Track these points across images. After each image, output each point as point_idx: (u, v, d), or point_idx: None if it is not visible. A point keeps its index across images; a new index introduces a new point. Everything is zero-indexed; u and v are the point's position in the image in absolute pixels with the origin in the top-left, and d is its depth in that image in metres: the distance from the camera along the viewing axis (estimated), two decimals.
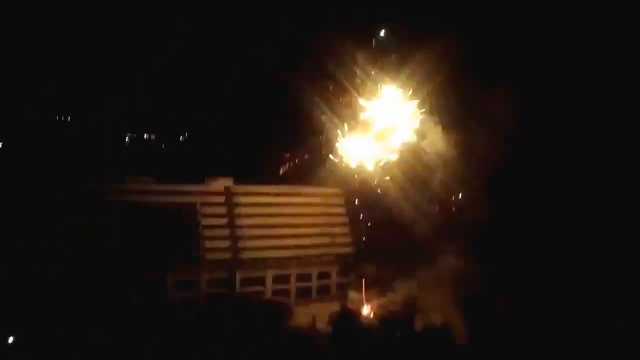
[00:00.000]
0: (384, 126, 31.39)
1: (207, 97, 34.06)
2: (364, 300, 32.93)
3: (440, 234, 32.88)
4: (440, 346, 27.50)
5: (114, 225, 29.15)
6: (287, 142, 34.65)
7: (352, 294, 33.59)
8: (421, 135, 31.69)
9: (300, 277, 33.07)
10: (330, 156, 32.09)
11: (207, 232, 31.36)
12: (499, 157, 30.22)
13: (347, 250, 34.17)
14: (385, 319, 31.10)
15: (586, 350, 25.72)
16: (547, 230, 30.91)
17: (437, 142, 31.95)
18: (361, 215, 34.47)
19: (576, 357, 25.94)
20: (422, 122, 31.53)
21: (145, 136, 34.74)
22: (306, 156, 34.07)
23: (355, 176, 32.48)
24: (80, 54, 31.81)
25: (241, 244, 31.86)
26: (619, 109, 30.12)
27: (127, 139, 34.06)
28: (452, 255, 32.09)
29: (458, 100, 31.76)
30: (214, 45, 34.11)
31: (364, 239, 34.37)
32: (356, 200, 34.34)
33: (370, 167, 31.68)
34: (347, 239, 34.39)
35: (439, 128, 31.73)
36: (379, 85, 30.97)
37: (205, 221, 31.51)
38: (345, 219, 34.80)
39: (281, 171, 34.82)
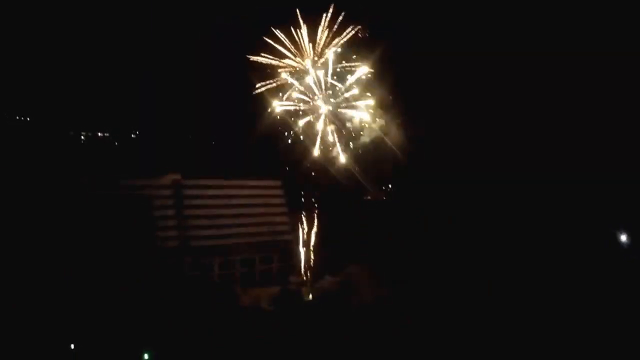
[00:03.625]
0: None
1: (159, 94, 35.96)
2: (304, 283, 35.80)
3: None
4: (372, 319, 29.96)
5: (69, 217, 30.67)
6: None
7: (293, 278, 36.34)
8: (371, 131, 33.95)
9: (245, 263, 35.61)
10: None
11: (159, 223, 33.71)
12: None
13: (287, 237, 36.49)
14: (323, 297, 33.74)
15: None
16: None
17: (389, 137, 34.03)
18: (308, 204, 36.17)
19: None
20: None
21: (99, 134, 36.71)
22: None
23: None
24: (31, 54, 33.21)
25: (190, 233, 34.24)
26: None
27: (82, 138, 35.90)
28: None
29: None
30: (165, 42, 35.79)
31: (307, 226, 36.09)
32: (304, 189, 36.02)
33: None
34: (287, 227, 36.68)
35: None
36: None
37: (156, 212, 33.89)
38: (285, 209, 37.11)
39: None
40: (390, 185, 35.46)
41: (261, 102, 33.26)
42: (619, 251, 28.53)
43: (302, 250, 35.64)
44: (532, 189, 30.74)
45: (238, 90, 33.58)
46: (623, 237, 28.85)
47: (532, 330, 26.42)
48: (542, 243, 29.62)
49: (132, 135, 36.36)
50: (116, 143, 36.31)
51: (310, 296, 34.67)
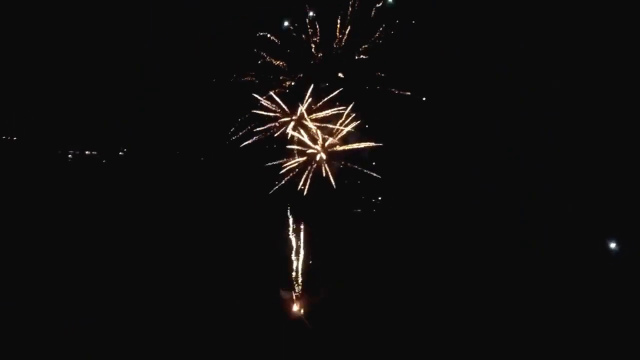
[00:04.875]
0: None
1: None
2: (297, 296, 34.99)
3: None
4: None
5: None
6: None
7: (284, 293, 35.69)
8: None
9: None
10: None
11: None
12: None
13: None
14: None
15: None
16: None
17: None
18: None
19: None
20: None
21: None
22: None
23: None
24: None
25: None
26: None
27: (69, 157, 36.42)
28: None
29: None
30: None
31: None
32: None
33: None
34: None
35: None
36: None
37: None
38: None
39: None
40: (379, 198, 34.63)
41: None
42: (608, 258, 27.26)
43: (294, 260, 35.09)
44: (519, 193, 29.77)
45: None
46: (613, 244, 27.48)
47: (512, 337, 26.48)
48: (527, 249, 28.75)
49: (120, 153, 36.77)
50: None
51: (302, 311, 34.10)
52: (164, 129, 34.33)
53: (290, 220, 34.25)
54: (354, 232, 33.51)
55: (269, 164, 32.40)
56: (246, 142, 32.28)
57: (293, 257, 34.40)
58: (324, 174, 31.59)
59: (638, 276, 26.09)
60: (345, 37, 31.80)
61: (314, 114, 31.30)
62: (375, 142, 30.60)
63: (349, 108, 30.57)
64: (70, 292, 28.88)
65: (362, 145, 31.18)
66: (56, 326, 27.21)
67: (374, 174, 31.72)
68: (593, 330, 25.41)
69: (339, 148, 31.19)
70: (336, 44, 31.69)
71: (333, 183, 31.54)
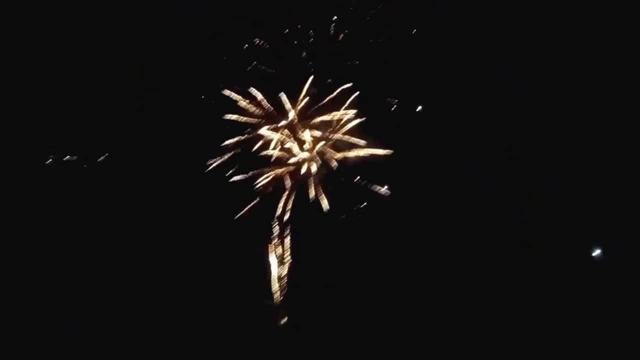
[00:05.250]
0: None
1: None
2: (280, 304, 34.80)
3: None
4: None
5: None
6: None
7: (267, 301, 35.52)
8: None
9: None
10: None
11: None
12: None
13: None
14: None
15: None
16: None
17: None
18: None
19: None
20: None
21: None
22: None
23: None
24: None
25: None
26: None
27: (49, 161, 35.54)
28: None
29: None
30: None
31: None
32: None
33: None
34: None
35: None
36: None
37: None
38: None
39: None
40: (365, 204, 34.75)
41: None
42: (592, 266, 28.19)
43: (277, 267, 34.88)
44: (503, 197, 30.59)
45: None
46: (597, 252, 28.26)
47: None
48: (508, 254, 29.52)
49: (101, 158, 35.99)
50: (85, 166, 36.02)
51: (286, 319, 33.90)
52: (150, 134, 33.97)
53: (275, 229, 34.24)
54: (344, 235, 33.82)
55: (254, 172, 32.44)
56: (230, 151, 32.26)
57: (277, 264, 34.39)
58: (311, 187, 31.72)
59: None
60: (340, 38, 32.45)
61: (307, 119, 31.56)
62: (379, 147, 30.96)
63: (341, 112, 30.86)
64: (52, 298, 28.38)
65: (372, 151, 31.26)
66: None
67: (382, 188, 31.97)
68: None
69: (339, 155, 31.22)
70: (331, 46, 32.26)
71: (325, 204, 31.62)
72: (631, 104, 28.82)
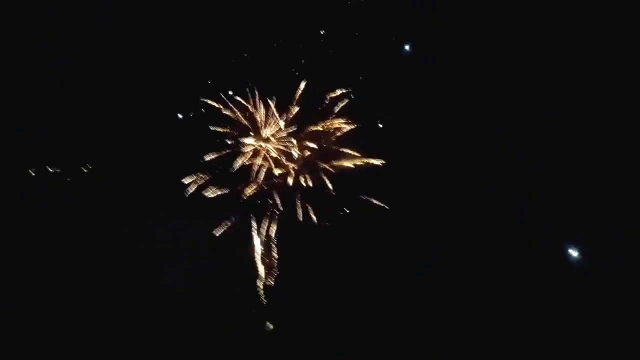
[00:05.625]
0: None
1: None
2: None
3: None
4: None
5: None
6: None
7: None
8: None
9: None
10: None
11: None
12: None
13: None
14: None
15: None
16: None
17: None
18: None
19: None
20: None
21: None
22: None
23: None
24: None
25: None
26: None
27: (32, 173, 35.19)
28: None
29: None
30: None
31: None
32: None
33: None
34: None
35: None
36: None
37: None
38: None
39: None
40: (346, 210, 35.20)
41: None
42: (569, 266, 28.90)
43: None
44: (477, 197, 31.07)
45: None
46: (574, 252, 29.06)
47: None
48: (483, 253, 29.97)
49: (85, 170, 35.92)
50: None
51: (271, 326, 34.22)
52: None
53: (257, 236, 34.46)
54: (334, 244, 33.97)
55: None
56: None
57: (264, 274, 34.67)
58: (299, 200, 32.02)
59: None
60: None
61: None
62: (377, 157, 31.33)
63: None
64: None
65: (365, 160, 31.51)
66: None
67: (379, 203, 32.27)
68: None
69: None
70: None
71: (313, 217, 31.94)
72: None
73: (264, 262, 34.73)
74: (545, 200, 29.88)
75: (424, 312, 29.24)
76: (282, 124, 31.96)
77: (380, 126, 32.23)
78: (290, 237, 34.18)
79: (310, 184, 32.60)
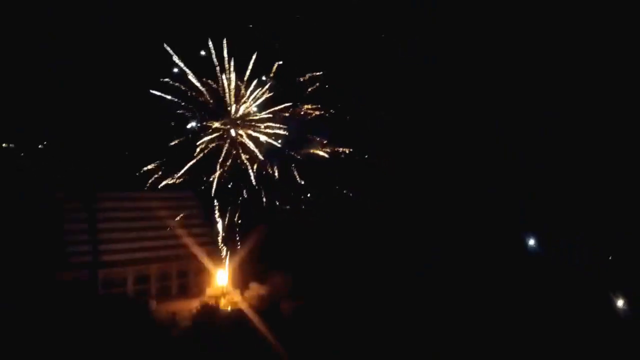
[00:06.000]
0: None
1: (69, 104, 34.69)
2: (223, 294, 35.05)
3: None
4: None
5: None
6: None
7: (210, 290, 35.59)
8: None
9: (161, 276, 34.61)
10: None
11: (69, 237, 32.18)
12: None
13: (207, 247, 35.23)
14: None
15: None
16: None
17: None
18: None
19: None
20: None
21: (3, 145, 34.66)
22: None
23: None
24: None
25: (102, 247, 32.73)
26: None
27: None
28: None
29: None
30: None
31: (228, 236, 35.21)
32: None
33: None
34: (206, 238, 35.71)
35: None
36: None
37: (66, 226, 32.47)
38: (202, 220, 36.37)
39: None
40: (308, 195, 35.17)
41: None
42: (527, 255, 29.25)
43: (225, 261, 35.13)
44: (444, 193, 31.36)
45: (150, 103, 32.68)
46: (531, 241, 29.68)
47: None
48: (452, 246, 30.29)
49: (40, 146, 34.76)
50: (22, 154, 34.55)
51: (229, 308, 34.19)
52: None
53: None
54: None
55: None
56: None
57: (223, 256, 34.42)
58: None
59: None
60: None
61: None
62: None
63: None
64: None
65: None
66: None
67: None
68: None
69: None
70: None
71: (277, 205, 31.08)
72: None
73: (226, 245, 34.85)
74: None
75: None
76: (253, 108, 31.48)
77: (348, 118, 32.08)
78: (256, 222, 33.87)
79: (276, 170, 32.54)
